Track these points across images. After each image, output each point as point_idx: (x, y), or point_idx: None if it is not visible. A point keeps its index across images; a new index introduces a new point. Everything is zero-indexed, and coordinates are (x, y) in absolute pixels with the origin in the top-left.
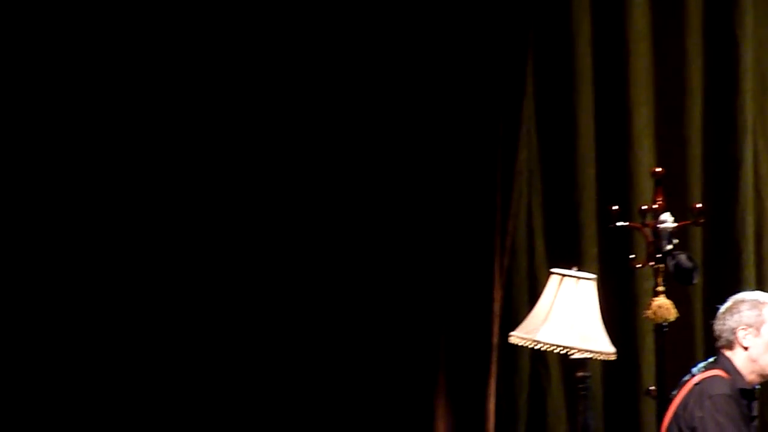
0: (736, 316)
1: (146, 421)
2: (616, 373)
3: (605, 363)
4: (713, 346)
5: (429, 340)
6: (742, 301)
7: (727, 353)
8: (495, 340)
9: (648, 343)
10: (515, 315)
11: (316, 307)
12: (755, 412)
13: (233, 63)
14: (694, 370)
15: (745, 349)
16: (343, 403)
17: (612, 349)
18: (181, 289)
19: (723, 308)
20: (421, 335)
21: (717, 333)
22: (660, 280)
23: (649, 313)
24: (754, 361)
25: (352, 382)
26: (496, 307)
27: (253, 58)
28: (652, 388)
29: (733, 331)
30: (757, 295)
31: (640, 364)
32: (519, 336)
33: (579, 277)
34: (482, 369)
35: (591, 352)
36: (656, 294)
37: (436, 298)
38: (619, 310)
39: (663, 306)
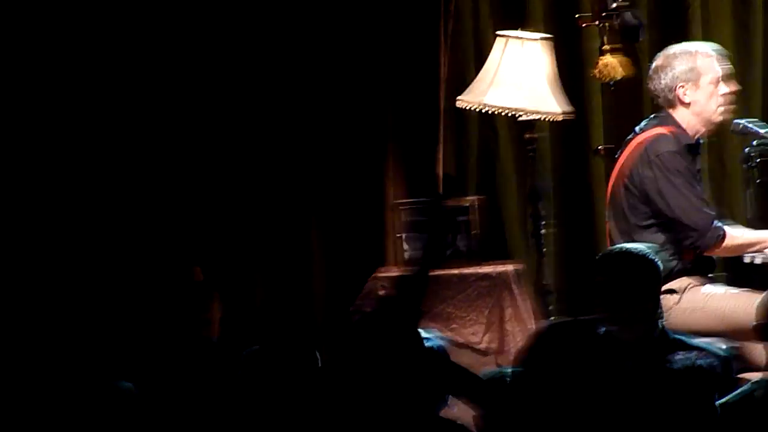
0: (670, 74)
1: None
2: (565, 134)
3: (554, 124)
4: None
5: (377, 107)
6: (673, 56)
7: (669, 110)
8: (442, 104)
9: (596, 102)
10: (462, 79)
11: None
12: (699, 166)
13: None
14: (637, 129)
15: (688, 104)
16: (299, 177)
17: (560, 109)
18: None
19: (654, 65)
20: (368, 102)
21: (654, 92)
22: (606, 38)
23: (595, 71)
24: (698, 114)
25: (306, 155)
26: (443, 71)
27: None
28: (601, 147)
29: (671, 89)
30: (687, 45)
31: (589, 124)
32: (466, 100)
33: (525, 38)
34: (431, 134)
35: (539, 113)
36: (603, 53)
37: (382, 65)
38: (567, 71)
39: (609, 64)
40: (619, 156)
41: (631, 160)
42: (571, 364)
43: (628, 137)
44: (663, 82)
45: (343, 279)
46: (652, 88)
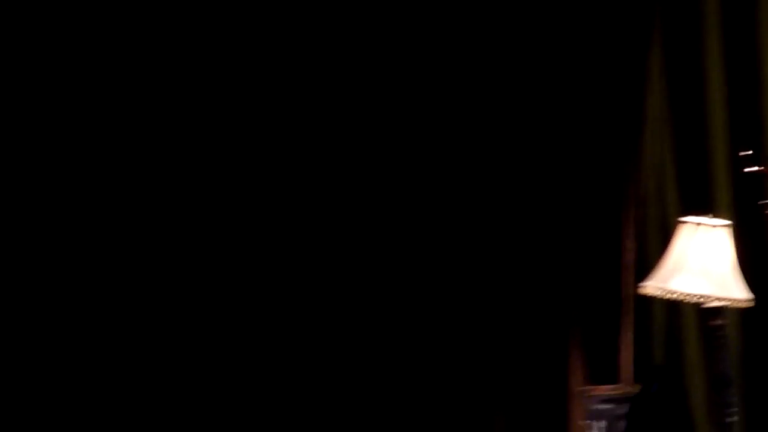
0: None
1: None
2: (753, 321)
3: (742, 310)
4: None
5: (561, 293)
6: None
7: None
8: (628, 291)
9: None
10: (648, 266)
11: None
12: None
13: None
14: None
15: None
16: (478, 359)
17: (748, 296)
18: None
19: None
20: (553, 288)
21: None
22: None
23: None
24: None
25: (486, 338)
26: (629, 258)
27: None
28: None
29: None
30: None
31: None
32: (652, 286)
33: (711, 225)
34: (615, 320)
35: (726, 300)
36: None
37: (567, 250)
38: (752, 257)
39: None
40: None
41: None
42: None
43: None
44: None
45: None
46: None
